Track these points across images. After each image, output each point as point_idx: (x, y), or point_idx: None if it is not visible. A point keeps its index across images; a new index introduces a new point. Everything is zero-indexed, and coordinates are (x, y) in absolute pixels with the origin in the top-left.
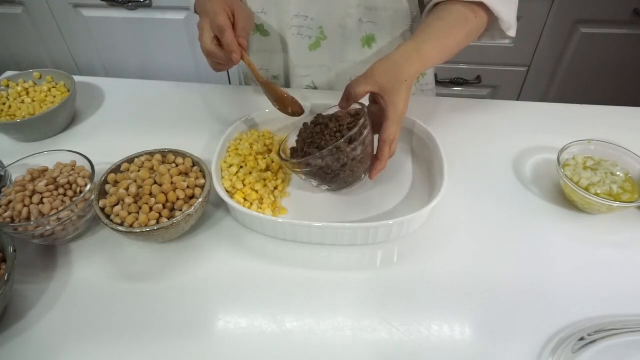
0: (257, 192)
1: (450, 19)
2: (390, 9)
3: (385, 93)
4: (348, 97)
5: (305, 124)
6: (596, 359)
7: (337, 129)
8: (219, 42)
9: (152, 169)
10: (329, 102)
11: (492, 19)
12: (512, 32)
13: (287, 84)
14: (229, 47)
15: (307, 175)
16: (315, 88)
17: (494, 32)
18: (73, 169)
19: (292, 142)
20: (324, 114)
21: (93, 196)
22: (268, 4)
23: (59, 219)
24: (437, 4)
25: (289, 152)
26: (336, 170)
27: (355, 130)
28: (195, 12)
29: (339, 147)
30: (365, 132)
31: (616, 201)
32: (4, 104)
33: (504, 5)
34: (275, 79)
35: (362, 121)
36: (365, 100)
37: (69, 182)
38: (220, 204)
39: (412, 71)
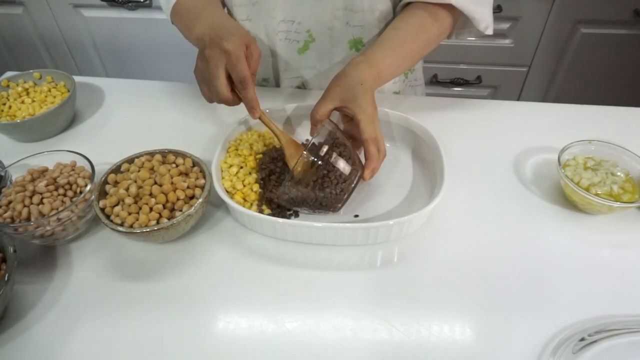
0: (256, 192)
1: (407, 28)
2: (377, 10)
3: (347, 102)
4: (314, 122)
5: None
6: (597, 359)
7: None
8: (230, 83)
9: (152, 169)
10: None
11: (463, 19)
12: (489, 31)
13: (277, 86)
14: (250, 102)
15: (300, 203)
16: (305, 88)
17: (471, 28)
18: (73, 169)
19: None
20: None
21: (93, 196)
22: (253, 11)
23: (59, 219)
24: (407, 5)
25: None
26: (320, 178)
27: (314, 136)
28: (172, 22)
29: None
30: (328, 132)
31: (616, 201)
32: (4, 104)
33: (477, 4)
34: (265, 81)
35: (320, 129)
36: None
37: (69, 183)
38: (220, 204)
39: (365, 76)
